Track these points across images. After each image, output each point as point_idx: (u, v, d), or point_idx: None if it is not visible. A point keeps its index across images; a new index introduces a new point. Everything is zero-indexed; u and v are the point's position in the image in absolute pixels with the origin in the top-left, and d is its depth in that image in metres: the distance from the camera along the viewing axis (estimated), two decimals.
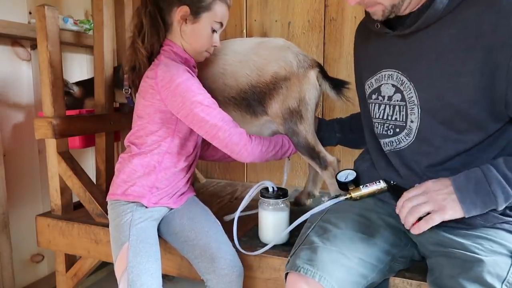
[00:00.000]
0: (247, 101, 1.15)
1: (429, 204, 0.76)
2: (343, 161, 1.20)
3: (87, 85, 1.47)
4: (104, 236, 1.24)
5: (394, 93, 0.89)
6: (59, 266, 1.39)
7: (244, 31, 1.79)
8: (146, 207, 1.05)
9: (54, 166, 1.32)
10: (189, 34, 1.03)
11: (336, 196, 0.95)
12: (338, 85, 1.14)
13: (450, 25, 0.78)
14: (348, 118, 1.24)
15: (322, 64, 1.61)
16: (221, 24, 1.06)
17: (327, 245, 0.82)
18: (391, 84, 0.89)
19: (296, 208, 1.35)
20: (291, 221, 1.10)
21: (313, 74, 1.13)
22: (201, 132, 1.00)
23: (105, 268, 1.82)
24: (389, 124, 0.91)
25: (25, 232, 1.53)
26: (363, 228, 0.87)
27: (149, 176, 1.05)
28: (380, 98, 0.93)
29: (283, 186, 1.14)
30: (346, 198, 0.91)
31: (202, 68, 1.16)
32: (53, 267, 1.61)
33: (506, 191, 0.72)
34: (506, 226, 0.80)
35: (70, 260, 1.39)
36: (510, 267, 0.72)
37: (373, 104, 0.95)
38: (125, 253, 0.95)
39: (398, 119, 0.89)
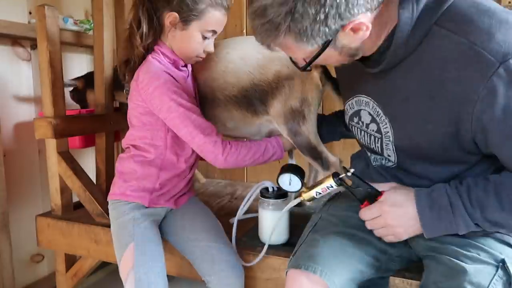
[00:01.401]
0: (248, 99, 1.14)
1: (386, 231, 0.78)
2: (342, 160, 1.19)
3: (86, 77, 1.48)
4: (104, 236, 1.24)
5: (370, 122, 0.85)
6: (59, 266, 1.39)
7: (244, 31, 1.79)
8: (147, 207, 1.05)
9: (54, 166, 1.32)
10: (178, 40, 1.00)
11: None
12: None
13: (415, 66, 0.72)
14: None
15: None
16: (214, 31, 1.01)
17: (327, 241, 0.82)
18: (368, 112, 0.85)
19: (296, 208, 1.34)
20: (291, 221, 1.11)
21: (316, 74, 1.12)
22: (179, 135, 1.00)
23: (105, 268, 1.82)
24: (372, 148, 0.89)
25: (25, 232, 1.52)
26: (362, 227, 0.88)
27: (149, 177, 1.04)
28: (360, 123, 0.89)
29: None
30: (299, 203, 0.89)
31: (204, 67, 1.15)
32: (53, 267, 1.61)
33: (467, 224, 0.71)
34: (497, 234, 0.79)
35: (70, 260, 1.39)
36: (493, 277, 0.71)
37: (355, 127, 0.92)
38: (131, 253, 0.95)
39: (375, 149, 0.87)
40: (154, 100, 0.96)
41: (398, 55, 0.72)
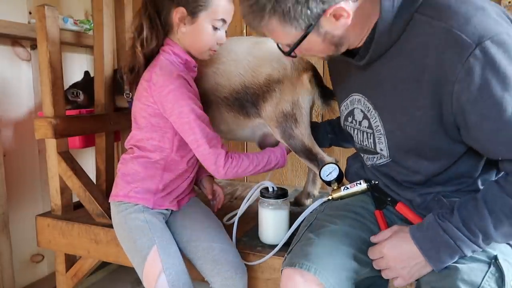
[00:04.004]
0: (240, 102, 1.13)
1: (391, 272, 0.79)
2: (342, 162, 1.19)
3: (88, 91, 1.46)
4: (104, 236, 1.24)
5: (362, 119, 0.88)
6: (59, 266, 1.39)
7: (244, 31, 1.79)
8: (152, 209, 1.04)
9: (54, 166, 1.32)
10: (189, 35, 1.00)
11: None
12: (327, 95, 1.13)
13: (399, 55, 0.76)
14: (338, 118, 1.23)
15: (322, 65, 1.61)
16: (223, 20, 1.00)
17: (322, 240, 0.83)
18: (360, 109, 0.88)
19: (296, 208, 1.35)
20: (291, 221, 1.11)
21: (306, 78, 1.11)
22: (186, 140, 0.99)
23: (105, 268, 1.82)
24: (365, 148, 0.91)
25: (25, 232, 1.53)
26: (358, 225, 0.88)
27: (153, 178, 1.04)
28: (354, 122, 0.92)
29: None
30: (328, 199, 0.95)
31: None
32: (53, 267, 1.61)
33: (472, 247, 0.73)
34: None
35: (70, 260, 1.39)
36: (486, 274, 0.72)
37: (349, 127, 0.94)
38: (156, 256, 0.96)
39: (368, 146, 0.89)
40: (166, 103, 0.96)
41: (382, 44, 0.75)
